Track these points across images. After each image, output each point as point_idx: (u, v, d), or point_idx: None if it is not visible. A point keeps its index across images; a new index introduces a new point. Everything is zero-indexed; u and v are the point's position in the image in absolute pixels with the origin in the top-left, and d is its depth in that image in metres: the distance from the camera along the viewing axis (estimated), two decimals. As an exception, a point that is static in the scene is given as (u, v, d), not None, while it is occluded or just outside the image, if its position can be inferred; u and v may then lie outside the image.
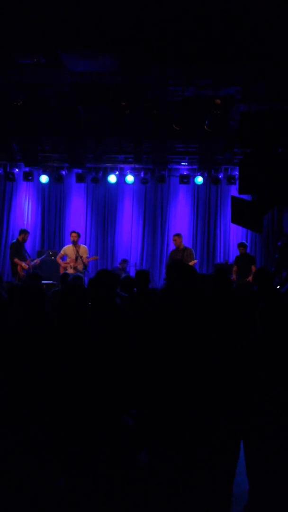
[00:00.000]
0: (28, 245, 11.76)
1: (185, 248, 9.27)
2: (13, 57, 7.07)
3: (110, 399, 2.38)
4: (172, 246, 11.19)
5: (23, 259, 9.40)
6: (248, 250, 10.02)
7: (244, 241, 10.17)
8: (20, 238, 9.62)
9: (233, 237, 11.59)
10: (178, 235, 9.51)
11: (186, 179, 11.04)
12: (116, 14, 5.86)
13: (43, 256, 10.22)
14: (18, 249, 9.44)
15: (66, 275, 7.24)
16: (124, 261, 10.95)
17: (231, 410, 2.40)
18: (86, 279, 7.46)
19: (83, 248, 9.54)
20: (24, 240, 9.64)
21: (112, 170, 11.21)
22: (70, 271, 9.35)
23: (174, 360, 2.39)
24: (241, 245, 9.69)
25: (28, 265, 9.31)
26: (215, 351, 2.44)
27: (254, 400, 2.41)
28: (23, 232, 9.69)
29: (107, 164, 11.15)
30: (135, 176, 11.17)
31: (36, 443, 2.39)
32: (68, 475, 2.40)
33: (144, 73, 7.54)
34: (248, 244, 10.73)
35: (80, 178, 11.23)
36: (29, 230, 12.05)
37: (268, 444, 2.45)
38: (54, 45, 6.61)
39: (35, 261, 9.65)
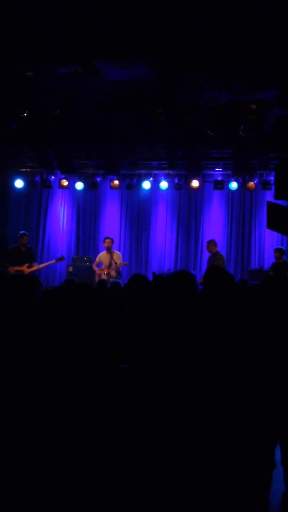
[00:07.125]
0: (63, 251, 11.94)
1: (216, 253, 9.49)
2: (51, 67, 7.23)
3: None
4: (206, 253, 11.14)
5: (17, 264, 8.81)
6: (284, 257, 9.84)
7: (281, 246, 9.97)
8: (19, 243, 9.06)
9: (268, 243, 11.40)
10: (208, 241, 9.83)
11: (221, 185, 10.96)
12: (149, 22, 5.91)
13: (47, 262, 10.31)
14: (11, 255, 8.93)
15: (102, 282, 7.24)
16: None
17: (269, 410, 2.36)
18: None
19: (117, 254, 9.60)
20: (22, 244, 9.04)
21: (146, 177, 11.28)
22: (104, 277, 9.43)
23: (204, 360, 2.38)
24: (277, 251, 9.49)
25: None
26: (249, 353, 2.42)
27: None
28: (20, 236, 9.11)
29: (141, 171, 11.23)
30: (169, 182, 11.18)
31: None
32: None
33: (178, 80, 7.56)
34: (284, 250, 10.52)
35: (114, 185, 11.33)
36: (65, 235, 12.21)
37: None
38: (89, 54, 6.72)
39: (34, 266, 9.11)
